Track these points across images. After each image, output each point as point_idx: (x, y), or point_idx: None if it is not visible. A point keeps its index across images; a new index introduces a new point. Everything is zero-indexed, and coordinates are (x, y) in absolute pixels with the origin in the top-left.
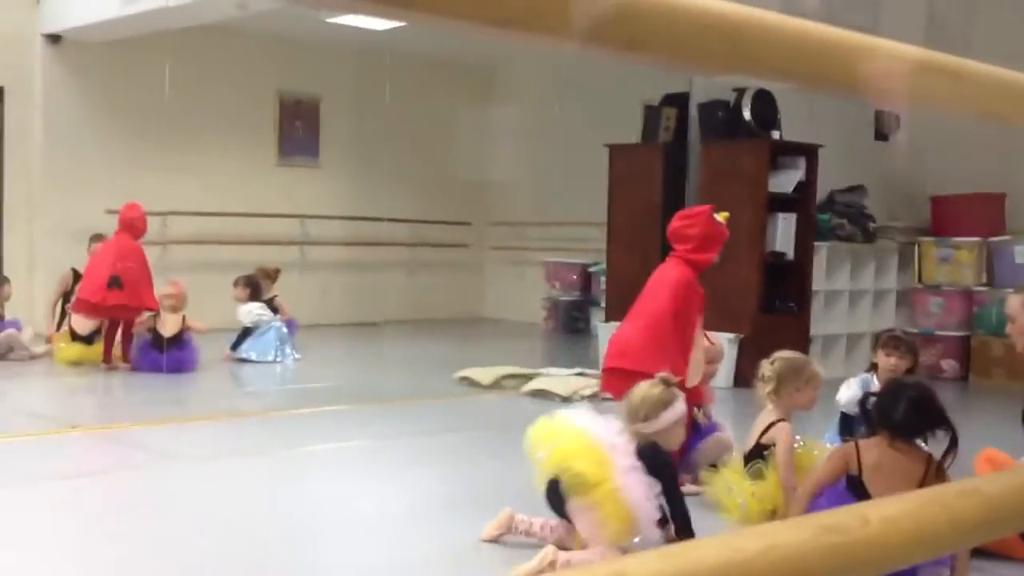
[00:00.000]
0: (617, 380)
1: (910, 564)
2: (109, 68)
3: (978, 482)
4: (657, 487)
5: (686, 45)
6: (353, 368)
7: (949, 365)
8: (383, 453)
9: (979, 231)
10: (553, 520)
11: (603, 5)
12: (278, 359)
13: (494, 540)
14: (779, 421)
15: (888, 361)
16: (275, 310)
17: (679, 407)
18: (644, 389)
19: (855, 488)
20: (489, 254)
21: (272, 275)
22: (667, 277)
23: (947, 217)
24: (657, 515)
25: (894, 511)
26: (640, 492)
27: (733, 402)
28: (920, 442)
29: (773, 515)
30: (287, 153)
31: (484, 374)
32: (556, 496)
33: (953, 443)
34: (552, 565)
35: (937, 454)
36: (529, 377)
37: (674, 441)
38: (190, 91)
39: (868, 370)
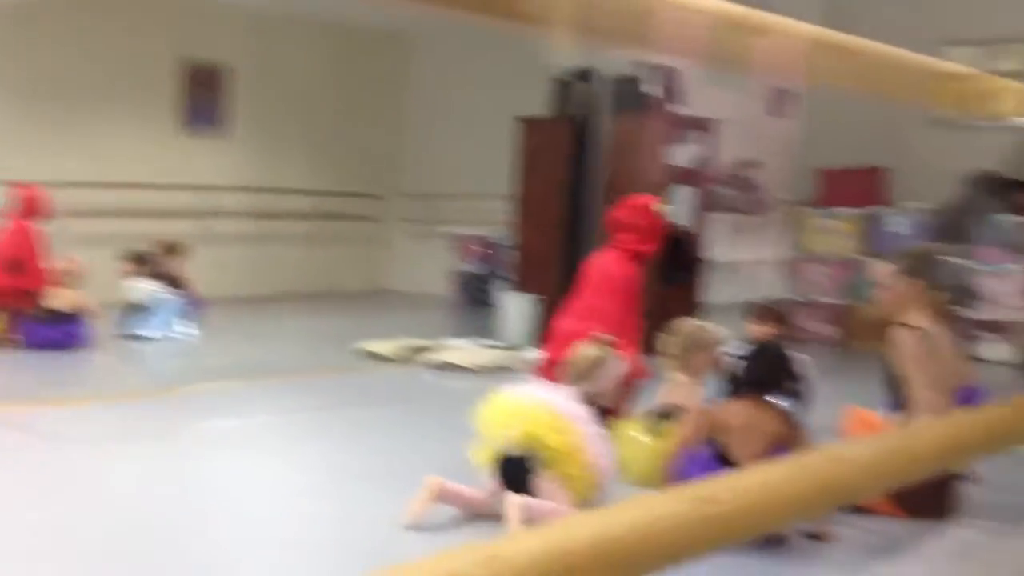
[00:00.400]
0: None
1: (783, 529)
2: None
3: (845, 449)
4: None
5: (585, 19)
6: (255, 343)
7: (828, 330)
8: (285, 428)
9: (859, 202)
10: (479, 487)
11: None
12: (175, 335)
13: (419, 516)
14: (685, 385)
15: (759, 330)
16: (178, 285)
17: (616, 365)
18: (583, 351)
19: (719, 448)
20: (397, 226)
21: (172, 249)
22: (613, 273)
23: (830, 189)
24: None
25: (767, 479)
26: (607, 457)
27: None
28: (780, 399)
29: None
30: (190, 122)
31: (387, 347)
32: (514, 470)
33: (806, 395)
34: (519, 512)
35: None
36: (433, 349)
37: (611, 399)
38: (86, 57)
39: (742, 339)
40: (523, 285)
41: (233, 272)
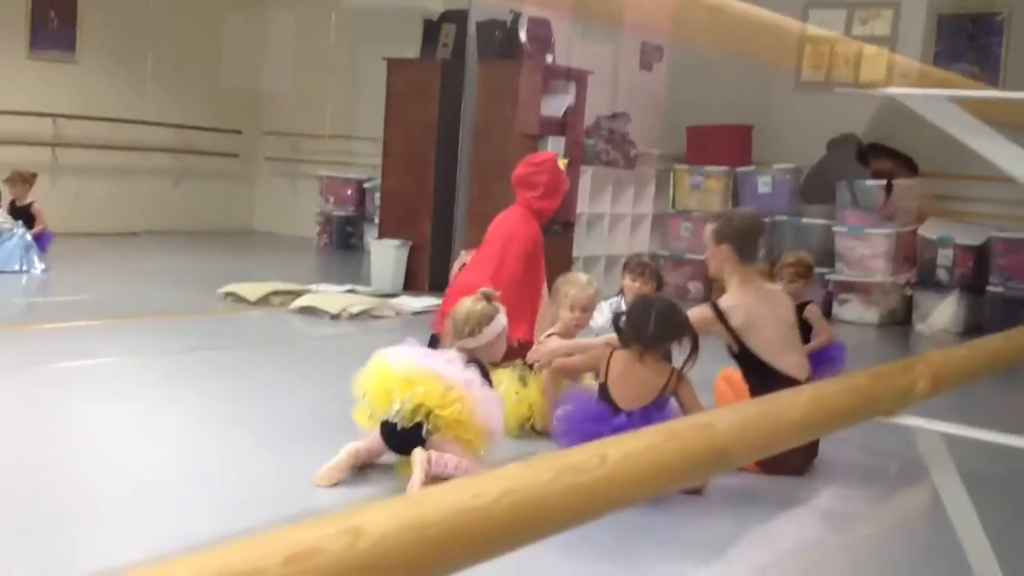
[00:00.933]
0: None
1: (649, 499)
2: None
3: (711, 416)
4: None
5: None
6: (109, 281)
7: (695, 287)
8: (141, 370)
9: (727, 161)
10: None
11: None
12: (23, 269)
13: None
14: (552, 335)
15: (633, 286)
16: (28, 216)
17: (501, 320)
18: (467, 305)
19: (603, 394)
20: (261, 164)
21: (21, 179)
22: (515, 230)
23: (700, 147)
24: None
25: (632, 447)
26: (494, 411)
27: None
28: (667, 352)
29: (529, 421)
30: (39, 46)
31: (251, 290)
32: (400, 435)
33: (694, 349)
34: (430, 466)
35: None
36: (298, 294)
37: (496, 354)
38: None
39: (617, 294)
40: (392, 230)
41: (89, 206)
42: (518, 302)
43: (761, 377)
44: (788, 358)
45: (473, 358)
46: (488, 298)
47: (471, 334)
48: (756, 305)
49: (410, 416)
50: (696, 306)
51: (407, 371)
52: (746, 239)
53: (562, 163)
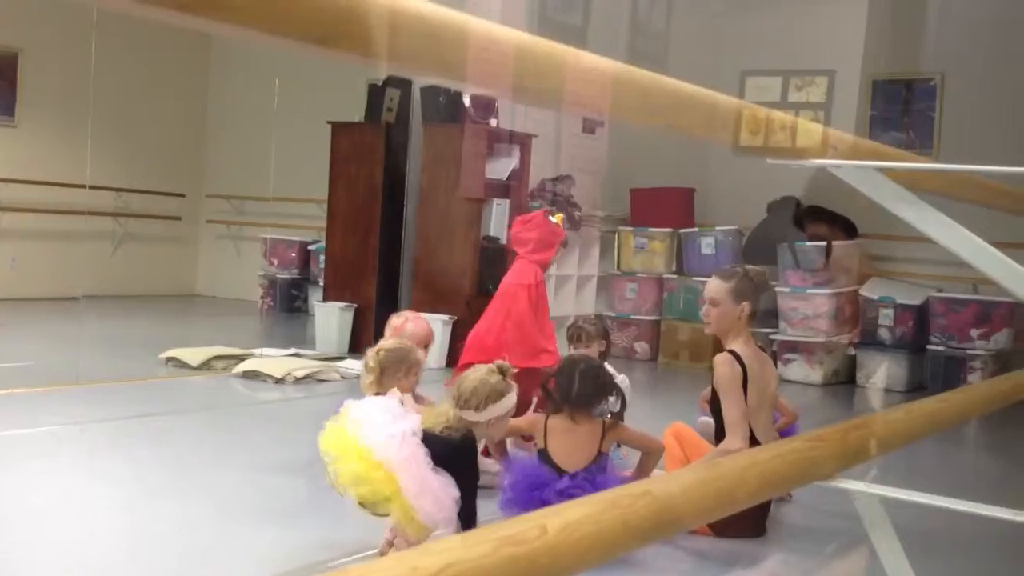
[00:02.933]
0: None
1: (590, 568)
2: None
3: (650, 484)
4: (452, 486)
5: (383, 43)
6: (49, 346)
7: (641, 347)
8: (78, 439)
9: (671, 223)
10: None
11: None
12: None
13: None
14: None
15: (577, 351)
16: None
17: (509, 400)
18: (480, 376)
19: (544, 459)
20: (204, 227)
21: None
22: (516, 279)
23: (643, 209)
24: (453, 514)
25: (572, 517)
26: (430, 506)
27: (444, 382)
28: (598, 409)
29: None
30: None
31: (193, 354)
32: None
33: (623, 404)
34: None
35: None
36: (241, 358)
37: (496, 433)
38: None
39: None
40: (337, 292)
41: (28, 270)
42: (536, 336)
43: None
44: (761, 419)
45: (464, 434)
46: (503, 373)
47: (476, 408)
48: (754, 362)
49: (342, 491)
50: (719, 355)
51: (342, 435)
52: (759, 297)
53: (556, 218)
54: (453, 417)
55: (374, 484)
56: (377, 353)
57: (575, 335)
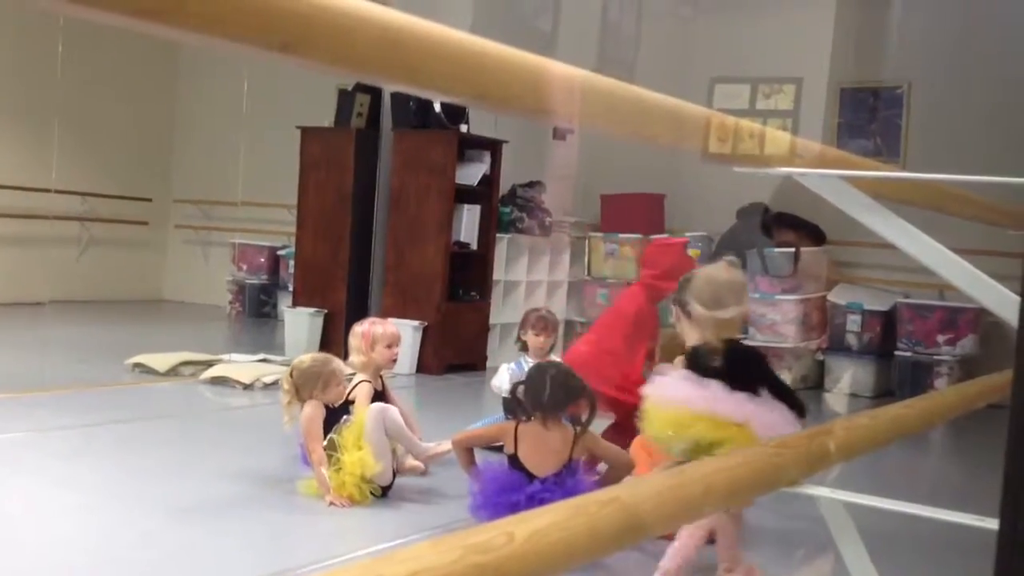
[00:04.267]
0: None
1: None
2: None
3: (618, 491)
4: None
5: (345, 51)
6: (14, 352)
7: None
8: (43, 446)
9: (641, 228)
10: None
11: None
12: None
13: None
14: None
15: (537, 340)
16: None
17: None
18: (708, 273)
19: (514, 464)
20: (172, 232)
21: None
22: (620, 307)
23: (613, 214)
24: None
25: (539, 524)
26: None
27: (415, 388)
28: (569, 416)
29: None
30: None
31: (160, 360)
32: None
33: (592, 409)
34: None
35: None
36: (209, 364)
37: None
38: None
39: (520, 349)
40: (306, 298)
41: None
42: (613, 367)
43: None
44: None
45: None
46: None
47: (721, 306)
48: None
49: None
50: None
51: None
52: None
53: (693, 253)
54: (711, 334)
55: (737, 442)
56: (291, 375)
57: (535, 324)
